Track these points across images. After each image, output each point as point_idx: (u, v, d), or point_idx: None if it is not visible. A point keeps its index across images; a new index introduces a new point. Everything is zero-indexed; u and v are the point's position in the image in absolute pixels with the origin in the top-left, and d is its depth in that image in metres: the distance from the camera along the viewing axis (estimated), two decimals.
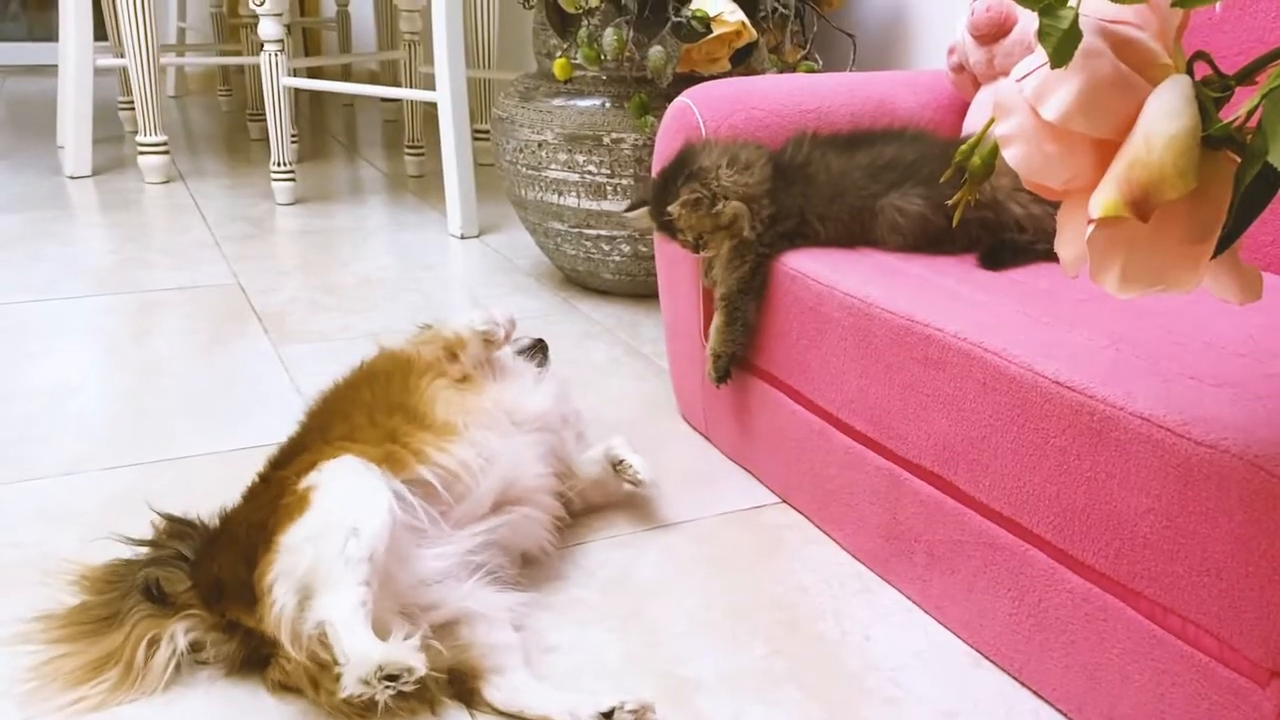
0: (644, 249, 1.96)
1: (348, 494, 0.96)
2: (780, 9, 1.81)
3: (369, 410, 1.10)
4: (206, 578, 0.99)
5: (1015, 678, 1.02)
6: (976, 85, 1.49)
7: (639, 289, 2.05)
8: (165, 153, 2.98)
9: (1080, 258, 0.67)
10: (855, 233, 1.28)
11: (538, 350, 1.35)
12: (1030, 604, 0.98)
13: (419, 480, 1.04)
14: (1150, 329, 1.00)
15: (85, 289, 2.08)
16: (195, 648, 0.98)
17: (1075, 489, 0.91)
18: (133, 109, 3.63)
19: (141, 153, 2.95)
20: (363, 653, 0.86)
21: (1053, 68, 0.61)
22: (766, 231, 1.28)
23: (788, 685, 1.01)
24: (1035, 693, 1.00)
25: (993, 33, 1.40)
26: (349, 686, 0.85)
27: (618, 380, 1.71)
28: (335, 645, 0.88)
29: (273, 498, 1.00)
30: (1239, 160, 0.63)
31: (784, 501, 1.33)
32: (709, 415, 1.48)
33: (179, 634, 0.97)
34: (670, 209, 1.28)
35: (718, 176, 1.27)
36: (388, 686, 0.85)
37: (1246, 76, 0.64)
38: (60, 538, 1.20)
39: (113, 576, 1.04)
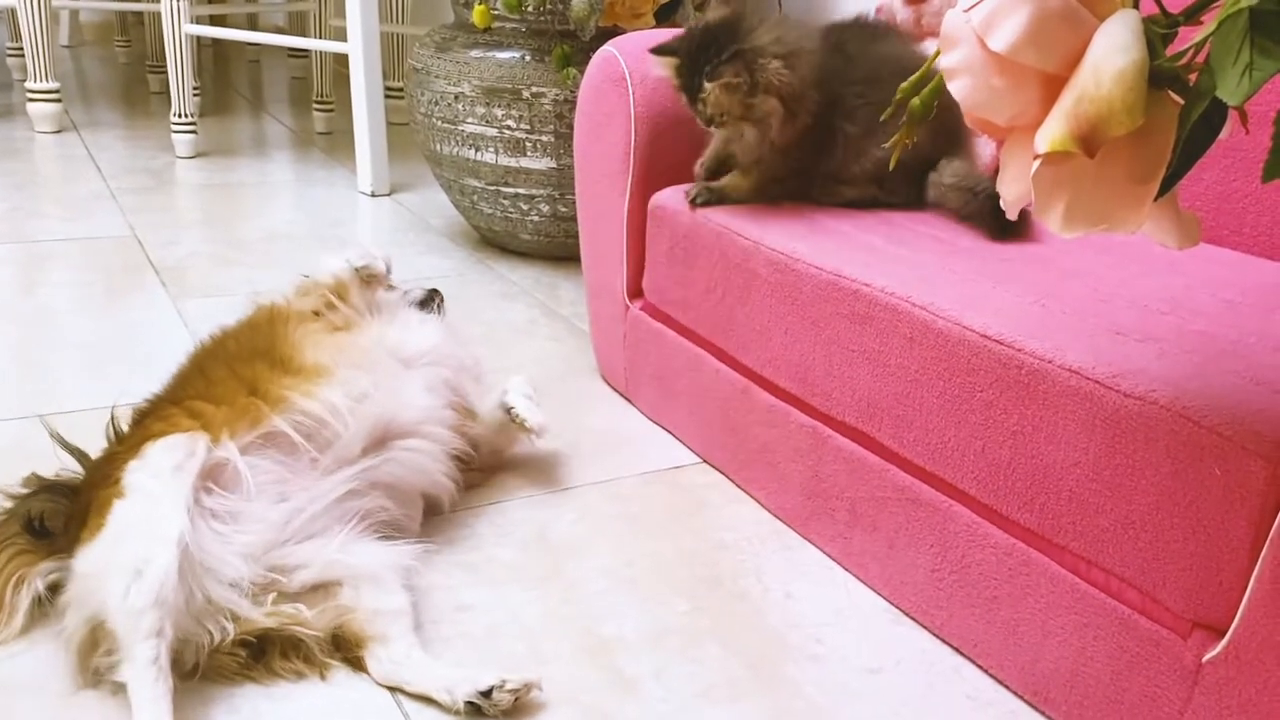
0: (563, 209, 1.91)
1: (140, 518, 0.89)
2: None
3: (230, 362, 1.04)
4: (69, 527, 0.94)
5: (936, 634, 1.01)
6: None
7: (557, 250, 2.00)
8: (57, 100, 2.83)
9: (1023, 196, 0.65)
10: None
11: (432, 300, 1.31)
12: (952, 560, 0.97)
13: (274, 433, 0.98)
14: (1076, 287, 1.00)
15: None
16: (53, 590, 0.93)
17: (1000, 443, 0.91)
18: (22, 55, 3.45)
19: (31, 99, 2.79)
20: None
21: None
22: (793, 146, 1.20)
23: (710, 643, 0.99)
24: (956, 649, 0.99)
25: None
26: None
27: (535, 341, 1.67)
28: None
29: (103, 476, 0.95)
30: (1182, 102, 0.62)
31: (705, 461, 1.31)
32: (629, 376, 1.45)
33: (39, 576, 0.93)
34: (706, 86, 1.16)
35: (764, 66, 1.15)
36: None
37: (1193, 15, 0.63)
38: None
39: (10, 496, 1.00)
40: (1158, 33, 0.62)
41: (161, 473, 0.91)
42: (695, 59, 1.18)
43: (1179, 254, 1.14)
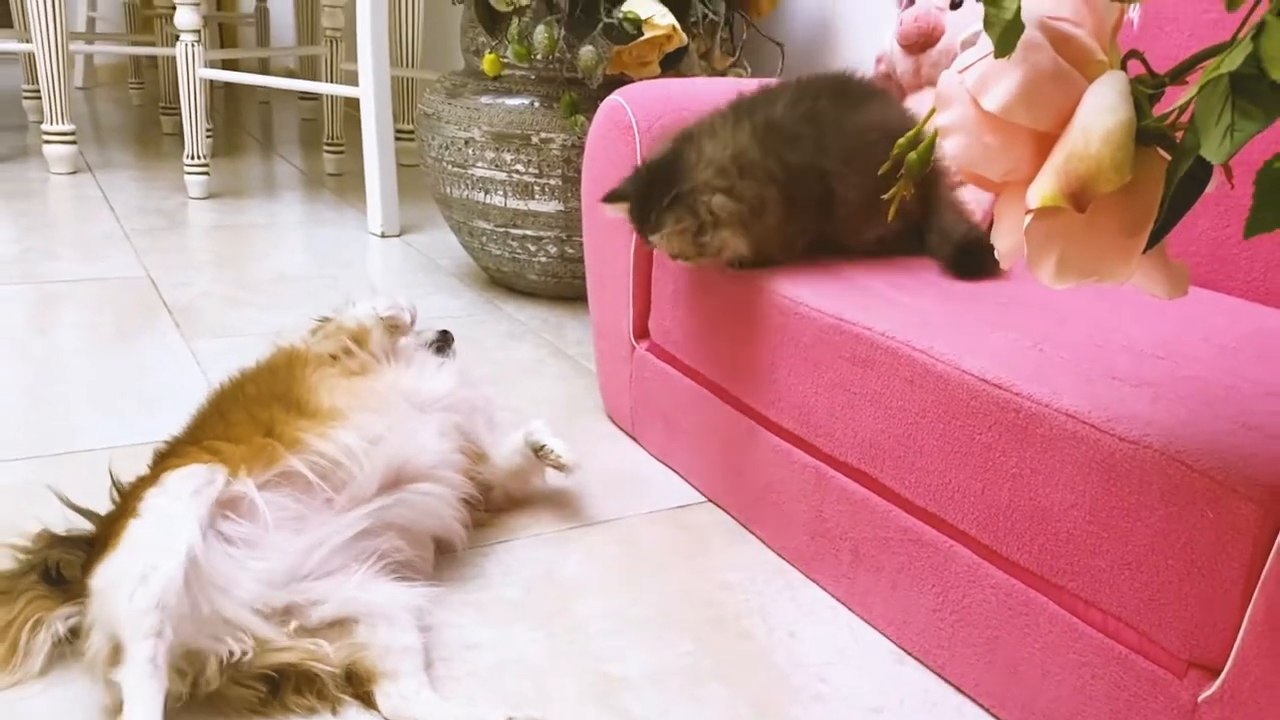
0: (570, 250, 1.95)
1: (152, 532, 0.91)
2: (710, 15, 1.82)
3: (247, 405, 1.07)
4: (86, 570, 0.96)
5: (938, 674, 1.02)
6: (903, 94, 1.51)
7: (565, 290, 2.03)
8: (72, 142, 2.88)
9: (1016, 249, 0.67)
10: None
11: (442, 342, 1.33)
12: (954, 600, 0.99)
13: (290, 472, 1.00)
14: (1071, 332, 1.02)
15: None
16: (74, 634, 0.94)
17: (1000, 485, 0.93)
18: (38, 98, 3.51)
19: (47, 141, 2.84)
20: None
21: (996, 56, 0.62)
22: (774, 234, 1.18)
23: (714, 683, 1.00)
24: (958, 688, 1.01)
25: (920, 42, 1.42)
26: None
27: (543, 380, 1.69)
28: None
29: (124, 509, 0.97)
30: (1169, 158, 0.65)
31: (710, 501, 1.33)
32: (635, 415, 1.47)
33: (59, 620, 0.95)
34: (652, 239, 1.18)
35: (707, 203, 1.14)
36: None
37: (1178, 76, 0.66)
38: None
39: (23, 551, 1.01)
40: (1144, 93, 0.65)
41: (179, 496, 0.93)
42: (643, 204, 1.18)
43: (1174, 302, 1.16)
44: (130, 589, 0.86)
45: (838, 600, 1.14)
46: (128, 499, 0.99)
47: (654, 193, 1.16)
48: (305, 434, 1.02)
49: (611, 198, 1.23)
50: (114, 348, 1.70)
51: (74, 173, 2.90)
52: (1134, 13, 1.36)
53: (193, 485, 0.95)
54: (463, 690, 0.97)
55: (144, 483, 0.99)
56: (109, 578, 0.89)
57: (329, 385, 1.09)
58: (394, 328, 1.20)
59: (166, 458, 1.03)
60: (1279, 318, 1.12)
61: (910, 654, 1.05)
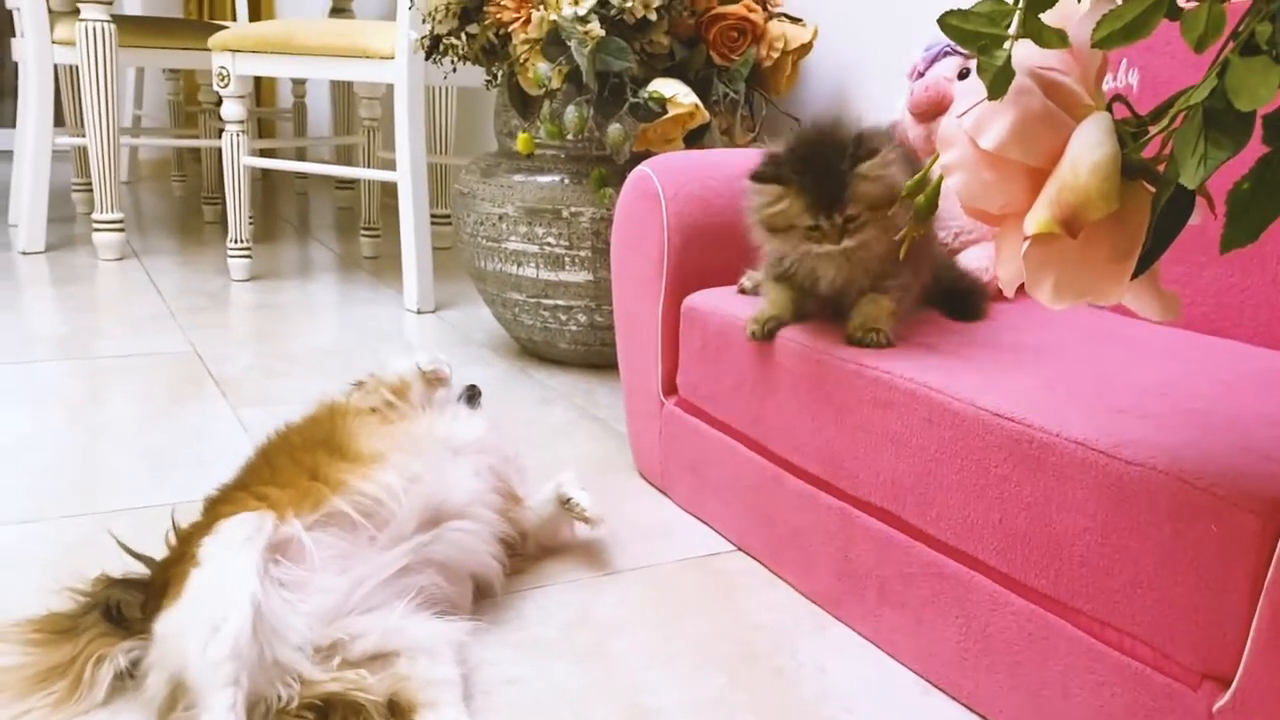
0: (600, 319, 2.02)
1: (215, 581, 0.97)
2: (731, 94, 1.91)
3: (292, 453, 1.14)
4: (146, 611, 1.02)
5: (964, 704, 1.06)
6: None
7: (594, 359, 2.10)
8: (121, 230, 3.00)
9: (1017, 276, 0.73)
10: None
11: (471, 394, 1.41)
12: (977, 629, 1.03)
13: (335, 512, 1.06)
14: (1080, 373, 1.08)
15: (39, 355, 2.08)
16: (134, 667, 1.00)
17: (1016, 515, 0.97)
18: (86, 190, 3.67)
19: (97, 229, 2.97)
20: None
21: (990, 99, 0.69)
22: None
23: (746, 714, 1.04)
24: (983, 717, 1.03)
25: (931, 111, 1.50)
26: None
27: (575, 441, 1.75)
28: None
29: (181, 555, 1.03)
30: (1154, 190, 0.71)
31: (739, 549, 1.38)
32: (665, 470, 1.52)
33: (121, 654, 1.00)
34: (861, 171, 1.11)
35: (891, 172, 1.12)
36: None
37: (1158, 117, 0.72)
38: (14, 583, 1.21)
39: (83, 594, 1.07)
40: (1128, 131, 0.71)
41: (233, 543, 0.99)
42: (817, 168, 1.13)
43: (1180, 344, 1.22)
44: (203, 640, 0.91)
45: (865, 638, 1.17)
46: (184, 544, 1.05)
47: (831, 151, 1.13)
48: (347, 475, 1.09)
49: (759, 178, 1.17)
50: (164, 416, 1.78)
51: (121, 259, 3.02)
52: (1133, 78, 1.44)
53: (245, 532, 1.00)
54: None
55: (198, 529, 1.05)
56: (175, 625, 0.95)
57: (369, 431, 1.16)
58: (434, 380, 1.27)
59: (218, 504, 1.09)
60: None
61: (936, 686, 1.09)
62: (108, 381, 1.95)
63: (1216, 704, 0.82)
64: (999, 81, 0.68)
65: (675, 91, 1.81)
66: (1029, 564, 0.96)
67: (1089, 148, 0.69)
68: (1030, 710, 0.98)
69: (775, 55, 1.93)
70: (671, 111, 1.81)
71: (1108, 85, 1.43)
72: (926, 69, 1.54)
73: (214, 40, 2.69)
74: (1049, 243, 0.70)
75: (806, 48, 1.95)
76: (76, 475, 1.52)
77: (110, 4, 2.88)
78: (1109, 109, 0.73)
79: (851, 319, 1.20)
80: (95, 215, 2.97)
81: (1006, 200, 0.73)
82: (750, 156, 1.58)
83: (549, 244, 1.98)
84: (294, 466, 1.11)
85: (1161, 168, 0.70)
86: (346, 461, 1.11)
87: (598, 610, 1.22)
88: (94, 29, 2.83)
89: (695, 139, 1.91)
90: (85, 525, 1.36)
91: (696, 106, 1.81)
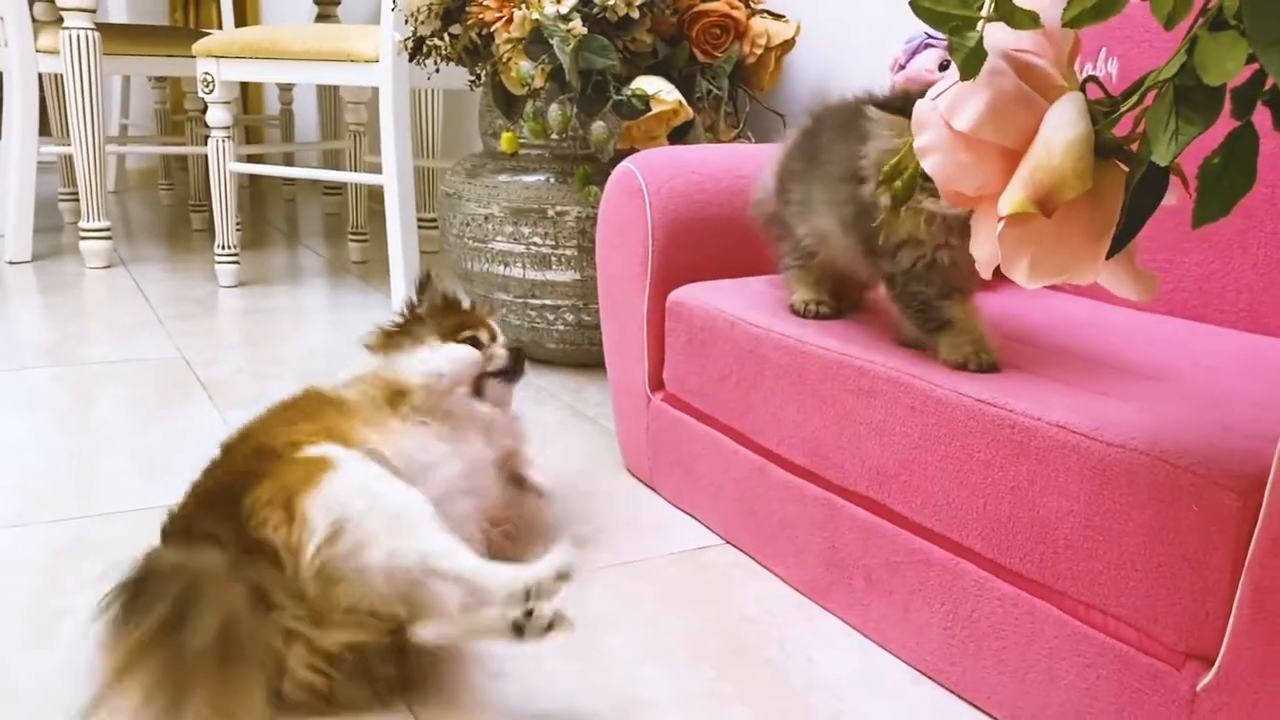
0: (587, 318, 2.02)
1: (368, 472, 1.02)
2: (714, 90, 1.92)
3: (295, 420, 1.15)
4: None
5: (952, 690, 1.06)
6: None
7: (582, 357, 2.10)
8: (108, 238, 3.00)
9: (993, 257, 0.74)
10: None
11: (514, 365, 1.33)
12: (963, 616, 1.03)
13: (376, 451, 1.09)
14: (1062, 359, 1.08)
15: (28, 362, 2.07)
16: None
17: (1000, 499, 0.97)
18: (73, 200, 3.67)
19: (84, 238, 2.97)
20: (509, 574, 0.92)
21: (962, 79, 0.69)
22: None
23: (737, 704, 1.04)
24: (971, 703, 1.04)
25: None
26: (511, 613, 0.91)
27: (565, 439, 1.75)
28: (471, 579, 0.93)
29: (258, 461, 1.05)
30: (1127, 169, 0.71)
31: (727, 542, 1.38)
32: (653, 465, 1.52)
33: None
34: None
35: None
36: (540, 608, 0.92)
37: (1130, 97, 0.73)
38: (6, 585, 1.20)
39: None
40: (1101, 111, 0.72)
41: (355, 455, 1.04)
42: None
43: (1163, 331, 1.22)
44: (397, 499, 0.98)
45: (853, 627, 1.17)
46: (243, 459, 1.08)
47: None
48: (368, 432, 1.12)
49: (887, 106, 1.06)
50: (152, 419, 1.77)
51: (108, 267, 3.02)
52: (1112, 67, 1.44)
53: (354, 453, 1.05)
54: (490, 717, 1.01)
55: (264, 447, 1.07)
56: (351, 485, 0.99)
57: (364, 418, 1.15)
58: (436, 391, 1.22)
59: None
60: (1262, 342, 1.17)
61: (925, 674, 1.09)
62: (96, 387, 1.94)
63: (1200, 683, 0.82)
64: (972, 63, 0.69)
65: (658, 89, 1.81)
66: (1013, 549, 0.97)
67: (1062, 127, 0.70)
68: (1017, 695, 0.98)
69: (758, 51, 1.94)
70: (655, 109, 1.81)
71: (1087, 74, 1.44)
72: (908, 61, 1.55)
73: (198, 46, 2.69)
74: (1024, 223, 0.70)
75: (789, 44, 1.95)
76: (66, 479, 1.51)
77: (94, 12, 2.87)
78: (1083, 89, 0.73)
79: (947, 339, 1.08)
80: (82, 223, 2.96)
81: (982, 181, 0.73)
82: (735, 152, 1.58)
83: (535, 244, 1.98)
84: (308, 423, 1.12)
85: (1134, 146, 0.70)
86: (359, 421, 1.13)
87: (587, 604, 1.22)
88: (78, 37, 2.83)
89: (679, 136, 1.91)
90: (76, 528, 1.36)
91: (680, 103, 1.81)
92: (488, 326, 1.34)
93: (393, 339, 1.30)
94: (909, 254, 1.08)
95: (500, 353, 1.32)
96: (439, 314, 1.33)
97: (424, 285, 1.35)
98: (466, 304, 1.37)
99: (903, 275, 1.10)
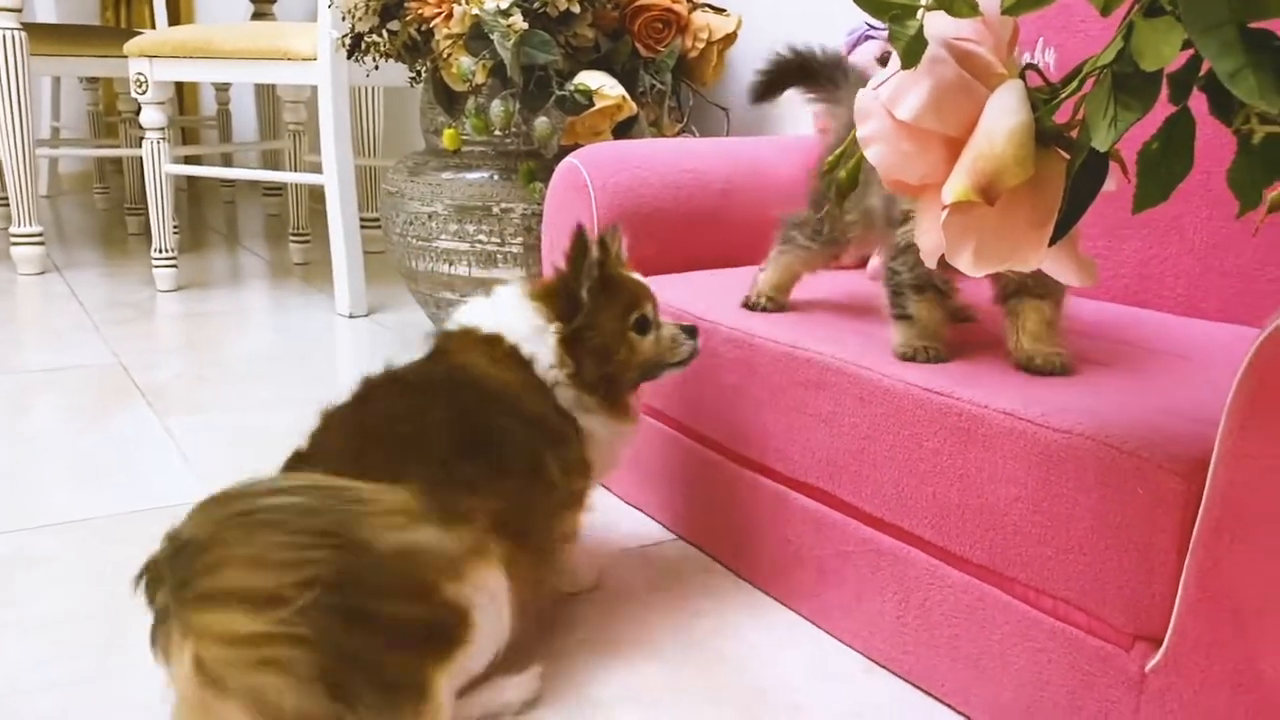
0: None
1: None
2: (658, 85, 1.91)
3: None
4: None
5: (906, 679, 1.06)
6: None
7: None
8: (40, 243, 2.93)
9: (937, 245, 0.74)
10: None
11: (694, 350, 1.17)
12: (915, 604, 1.03)
13: None
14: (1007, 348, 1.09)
15: None
16: None
17: (949, 487, 0.98)
18: (3, 205, 3.57)
19: (15, 243, 2.89)
20: None
21: (903, 68, 0.69)
22: None
23: (693, 698, 1.03)
24: (926, 691, 1.04)
25: None
26: None
27: None
28: None
29: None
30: (1068, 156, 0.72)
31: (679, 537, 1.37)
32: None
33: None
34: None
35: None
36: None
37: (1070, 83, 0.73)
38: None
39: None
40: (1041, 98, 0.72)
41: None
42: None
43: (1104, 319, 1.24)
44: None
45: (806, 619, 1.17)
46: None
47: None
48: None
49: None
50: (90, 428, 1.73)
51: (42, 273, 2.94)
52: (1050, 57, 1.46)
53: None
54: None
55: None
56: None
57: None
58: None
59: None
60: (1201, 327, 1.19)
61: (879, 663, 1.09)
62: (31, 395, 1.89)
63: (1149, 664, 0.83)
64: (912, 51, 0.68)
65: (601, 83, 1.80)
66: (963, 536, 0.97)
67: (1004, 115, 0.70)
68: (971, 683, 0.99)
69: (700, 46, 1.93)
70: (598, 103, 1.80)
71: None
72: (849, 52, 1.55)
73: (130, 46, 2.63)
74: (967, 210, 0.70)
75: (731, 38, 1.95)
76: (2, 490, 1.47)
77: (19, 11, 2.80)
78: (1022, 77, 0.74)
79: (1020, 335, 1.04)
80: (13, 229, 2.89)
81: (925, 170, 0.73)
82: (680, 146, 1.58)
83: (480, 241, 1.96)
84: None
85: (1074, 133, 0.71)
86: None
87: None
88: (3, 36, 2.75)
89: (624, 131, 1.90)
90: (14, 542, 1.32)
91: (623, 98, 1.80)
92: (649, 295, 1.15)
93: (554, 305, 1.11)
94: (904, 231, 1.07)
95: (681, 340, 1.16)
96: (602, 293, 1.10)
97: (582, 250, 1.09)
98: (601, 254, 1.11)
99: (893, 249, 1.10)
